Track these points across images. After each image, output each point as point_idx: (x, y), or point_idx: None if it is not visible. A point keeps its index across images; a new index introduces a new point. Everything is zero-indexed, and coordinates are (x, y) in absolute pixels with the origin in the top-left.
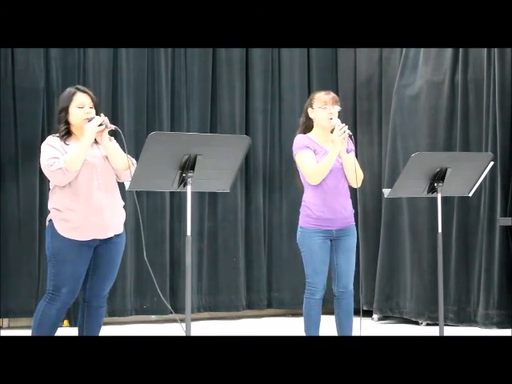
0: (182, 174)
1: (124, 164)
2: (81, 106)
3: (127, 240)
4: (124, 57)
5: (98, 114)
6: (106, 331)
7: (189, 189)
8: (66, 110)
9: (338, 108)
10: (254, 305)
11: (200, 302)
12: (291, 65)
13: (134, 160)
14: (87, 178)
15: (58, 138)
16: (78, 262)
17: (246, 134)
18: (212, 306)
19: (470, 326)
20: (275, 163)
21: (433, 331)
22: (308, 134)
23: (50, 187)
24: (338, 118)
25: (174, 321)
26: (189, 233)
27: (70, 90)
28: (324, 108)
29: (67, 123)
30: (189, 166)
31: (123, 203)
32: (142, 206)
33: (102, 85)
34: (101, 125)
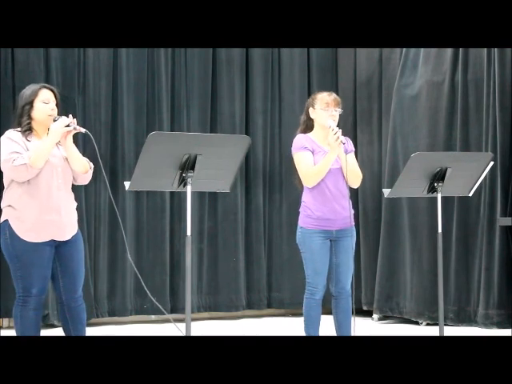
0: (181, 173)
1: (83, 167)
2: (46, 102)
3: (128, 240)
4: (124, 57)
5: (59, 113)
6: (106, 331)
7: (189, 189)
8: (30, 104)
9: (339, 111)
10: (254, 305)
11: (200, 302)
12: (291, 65)
13: (91, 164)
14: (47, 176)
15: (20, 133)
16: (42, 263)
17: (246, 134)
18: (212, 306)
19: (470, 326)
20: (275, 163)
21: (433, 331)
22: (308, 134)
23: (5, 184)
24: (338, 119)
25: (174, 321)
26: (189, 233)
27: (35, 85)
28: (326, 110)
29: (30, 118)
30: (189, 165)
31: (76, 204)
32: (142, 206)
33: (101, 85)
34: (68, 126)
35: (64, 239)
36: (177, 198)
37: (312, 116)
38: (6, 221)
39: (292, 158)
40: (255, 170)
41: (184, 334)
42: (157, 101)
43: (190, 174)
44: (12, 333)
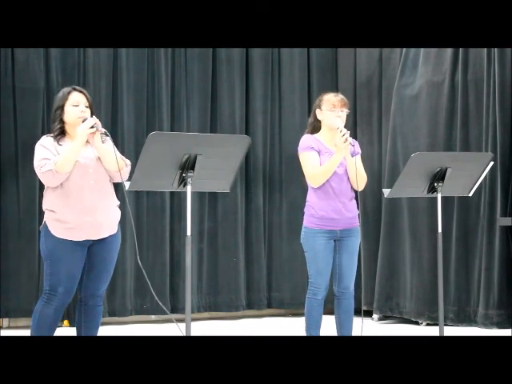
0: (181, 173)
1: (116, 165)
2: (76, 104)
3: (128, 240)
4: (124, 57)
5: (92, 114)
6: (106, 331)
7: (189, 189)
8: (61, 108)
9: (346, 111)
10: (254, 305)
11: (200, 302)
12: (291, 65)
13: (128, 161)
14: (79, 178)
15: (52, 138)
16: (72, 261)
17: (246, 134)
18: (212, 305)
19: (470, 326)
20: (275, 163)
21: (433, 331)
22: (315, 135)
23: (45, 188)
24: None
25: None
26: (189, 233)
27: (66, 89)
28: (332, 111)
29: (62, 122)
30: (189, 165)
31: (118, 203)
32: (142, 206)
33: (101, 85)
34: (92, 127)
35: (99, 237)
36: (177, 198)
37: (319, 117)
38: (45, 222)
39: (298, 158)
40: (255, 170)
41: (184, 334)
42: (157, 101)
43: (190, 174)
44: (12, 333)
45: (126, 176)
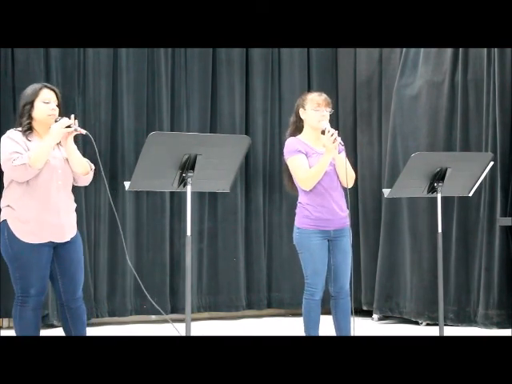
0: (182, 173)
1: (84, 168)
2: (47, 101)
3: (128, 240)
4: (124, 57)
5: (60, 113)
6: (106, 331)
7: (189, 189)
8: (31, 103)
9: (330, 110)
10: (254, 305)
11: (200, 302)
12: (291, 65)
13: (92, 165)
14: (47, 178)
15: (20, 133)
16: (40, 263)
17: (246, 134)
18: (212, 305)
19: (470, 326)
20: (275, 163)
21: (433, 331)
22: (299, 137)
23: (5, 184)
24: (331, 119)
25: (174, 321)
26: (189, 233)
27: (37, 85)
28: (317, 110)
29: (30, 117)
30: (189, 166)
31: (75, 205)
32: (142, 206)
33: (101, 85)
34: (68, 126)
35: (63, 241)
36: (177, 198)
37: (302, 117)
38: (5, 221)
39: (284, 162)
40: (255, 170)
41: (182, 335)
42: (157, 101)
43: (190, 174)
44: (12, 333)
45: (89, 181)
